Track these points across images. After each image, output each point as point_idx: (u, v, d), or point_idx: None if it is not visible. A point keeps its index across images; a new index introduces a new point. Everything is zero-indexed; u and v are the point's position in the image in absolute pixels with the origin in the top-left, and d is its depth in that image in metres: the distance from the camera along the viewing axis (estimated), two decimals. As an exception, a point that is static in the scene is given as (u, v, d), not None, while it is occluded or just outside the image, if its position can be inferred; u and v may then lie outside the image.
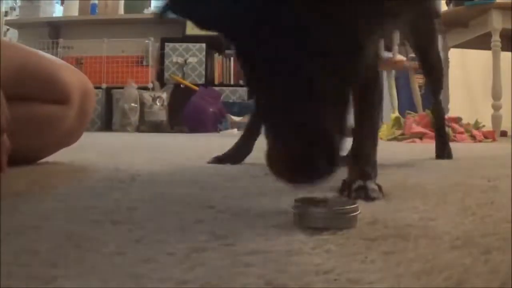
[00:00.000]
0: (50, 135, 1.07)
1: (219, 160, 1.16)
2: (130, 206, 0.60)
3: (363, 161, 0.73)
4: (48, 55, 1.12)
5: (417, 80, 3.31)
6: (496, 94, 2.86)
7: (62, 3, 4.75)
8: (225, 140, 2.75)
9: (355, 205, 0.51)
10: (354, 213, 0.50)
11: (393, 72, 3.47)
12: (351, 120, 0.80)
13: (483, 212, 0.56)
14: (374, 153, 0.76)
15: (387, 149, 1.93)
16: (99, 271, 0.35)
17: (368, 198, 0.65)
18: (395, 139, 2.71)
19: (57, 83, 1.04)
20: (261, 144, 0.60)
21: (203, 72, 4.37)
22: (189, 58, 4.36)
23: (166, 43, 4.40)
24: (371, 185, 0.67)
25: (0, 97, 0.77)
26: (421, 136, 2.68)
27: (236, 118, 3.87)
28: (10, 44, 1.12)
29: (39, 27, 4.58)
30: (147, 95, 4.13)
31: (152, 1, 4.67)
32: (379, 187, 0.68)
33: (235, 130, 3.64)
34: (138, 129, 4.05)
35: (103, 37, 4.37)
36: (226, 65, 4.38)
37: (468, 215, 0.55)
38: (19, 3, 4.74)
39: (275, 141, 0.50)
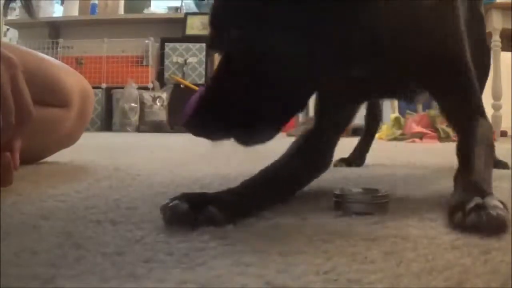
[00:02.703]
0: (50, 137, 1.08)
1: (347, 163, 1.16)
2: (130, 206, 0.60)
3: (477, 172, 0.58)
4: (48, 58, 1.12)
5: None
6: (496, 94, 2.86)
7: (62, 3, 4.75)
8: (225, 140, 2.75)
9: (387, 193, 0.59)
10: (387, 200, 0.58)
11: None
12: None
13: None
14: (490, 161, 0.63)
15: (387, 150, 1.94)
16: (99, 271, 0.35)
17: (491, 219, 0.46)
18: (395, 139, 2.72)
19: (58, 86, 1.05)
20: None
21: (203, 72, 4.36)
22: (189, 58, 4.36)
23: (166, 43, 4.40)
24: (492, 201, 0.48)
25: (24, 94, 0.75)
26: (421, 136, 2.68)
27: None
28: (10, 46, 1.13)
29: (39, 27, 4.58)
30: (147, 95, 4.13)
31: (152, 1, 4.67)
32: (503, 203, 0.49)
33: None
34: (138, 129, 4.05)
35: (103, 37, 4.37)
36: (226, 65, 4.37)
37: (468, 215, 0.55)
38: (18, 3, 4.74)
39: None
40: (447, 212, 0.51)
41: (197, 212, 0.49)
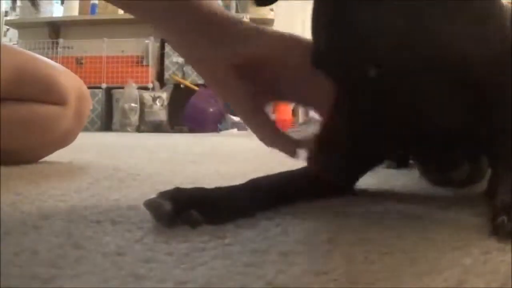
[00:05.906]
0: (48, 135, 1.09)
1: None
2: (130, 206, 0.60)
3: None
4: (45, 59, 1.15)
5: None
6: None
7: (62, 3, 4.74)
8: (225, 140, 2.75)
9: None
10: None
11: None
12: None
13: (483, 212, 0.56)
14: None
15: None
16: (99, 271, 0.35)
17: None
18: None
19: (55, 84, 1.08)
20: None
21: (203, 72, 4.36)
22: (189, 58, 4.35)
23: (166, 43, 4.39)
24: None
25: None
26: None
27: (236, 118, 3.87)
28: (9, 47, 1.15)
29: (39, 27, 4.57)
30: (147, 95, 4.13)
31: (152, 1, 4.67)
32: None
33: (235, 130, 3.65)
34: (138, 129, 4.05)
35: (103, 37, 4.37)
36: (226, 65, 4.36)
37: (468, 215, 0.55)
38: (19, 3, 4.74)
39: None
40: (492, 214, 0.46)
41: (180, 214, 0.48)
